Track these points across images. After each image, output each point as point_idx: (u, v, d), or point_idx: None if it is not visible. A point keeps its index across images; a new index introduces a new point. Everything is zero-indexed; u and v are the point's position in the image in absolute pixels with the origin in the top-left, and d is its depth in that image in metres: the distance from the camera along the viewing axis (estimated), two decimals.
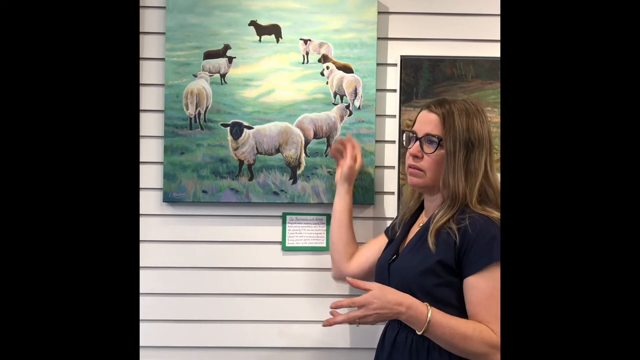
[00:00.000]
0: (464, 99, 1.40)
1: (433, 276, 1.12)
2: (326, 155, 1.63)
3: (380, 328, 1.35)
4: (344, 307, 1.15)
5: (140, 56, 1.62)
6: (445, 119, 1.19)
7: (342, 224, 1.49)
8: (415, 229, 1.27)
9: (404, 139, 1.29)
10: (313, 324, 1.64)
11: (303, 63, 1.63)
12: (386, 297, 1.11)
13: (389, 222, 1.65)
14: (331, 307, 1.17)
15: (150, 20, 1.64)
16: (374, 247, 1.43)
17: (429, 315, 1.08)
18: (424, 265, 1.13)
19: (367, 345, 1.64)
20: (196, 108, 1.62)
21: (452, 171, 1.17)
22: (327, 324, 1.14)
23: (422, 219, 1.28)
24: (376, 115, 1.64)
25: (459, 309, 1.12)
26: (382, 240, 1.43)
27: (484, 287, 1.08)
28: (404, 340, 1.16)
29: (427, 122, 1.22)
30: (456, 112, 1.19)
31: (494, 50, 1.64)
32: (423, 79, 1.64)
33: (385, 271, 1.24)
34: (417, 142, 1.22)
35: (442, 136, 1.18)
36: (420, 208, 1.32)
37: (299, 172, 1.63)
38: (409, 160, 1.24)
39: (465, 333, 1.07)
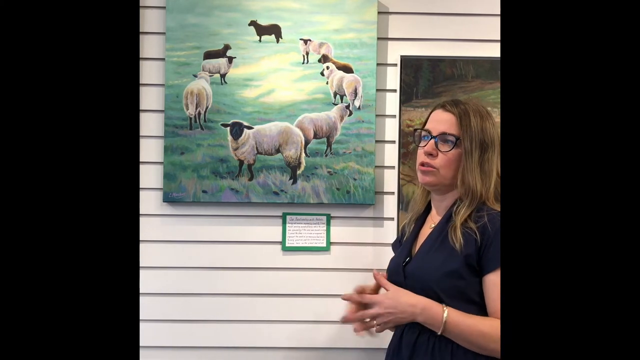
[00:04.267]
0: (474, 100, 1.39)
1: (457, 278, 1.12)
2: (326, 155, 1.63)
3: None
4: (354, 301, 1.18)
5: (140, 56, 1.63)
6: (462, 118, 1.20)
7: None
8: (426, 230, 1.26)
9: (415, 136, 1.28)
10: (313, 324, 1.64)
11: (303, 63, 1.63)
12: (399, 298, 1.13)
13: (388, 222, 1.66)
14: (342, 299, 1.20)
15: (150, 20, 1.64)
16: None
17: (445, 315, 1.09)
18: (448, 266, 1.13)
19: (369, 345, 1.64)
20: (196, 108, 1.62)
21: (470, 170, 1.18)
22: (345, 320, 1.17)
23: (431, 220, 1.27)
24: (376, 115, 1.64)
25: (481, 305, 1.12)
26: None
27: None
28: (426, 342, 1.15)
29: (443, 121, 1.21)
30: (471, 112, 1.20)
31: (494, 50, 1.64)
32: (423, 79, 1.65)
33: (400, 274, 1.22)
34: (432, 141, 1.21)
35: (459, 135, 1.19)
36: (427, 210, 1.32)
37: (299, 172, 1.63)
38: (422, 158, 1.22)
39: (483, 330, 1.08)
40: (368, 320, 1.17)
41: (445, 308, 1.10)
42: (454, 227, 1.15)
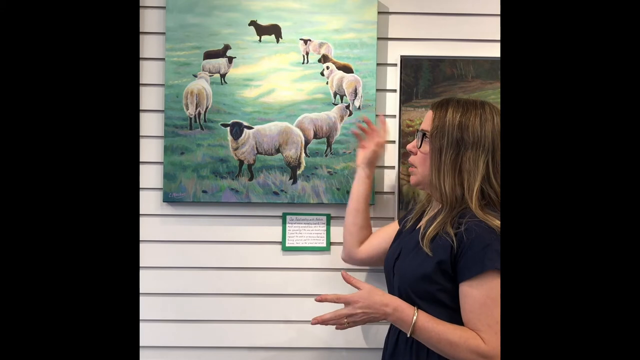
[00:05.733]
0: (474, 97, 1.35)
1: (430, 282, 1.11)
2: (326, 155, 1.63)
3: (382, 329, 1.35)
4: (329, 301, 1.14)
5: (140, 56, 1.62)
6: (436, 114, 1.16)
7: (359, 209, 1.47)
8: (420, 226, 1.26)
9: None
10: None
11: (303, 63, 1.63)
12: (373, 298, 1.11)
13: (388, 222, 1.65)
14: (316, 300, 1.16)
15: (150, 20, 1.64)
16: (384, 235, 1.42)
17: (414, 318, 1.08)
18: (422, 270, 1.12)
19: (368, 345, 1.64)
20: (196, 108, 1.62)
21: (437, 169, 1.14)
22: (315, 321, 1.13)
23: (426, 219, 1.26)
24: (376, 115, 1.64)
25: (455, 310, 1.11)
26: (392, 228, 1.42)
27: (476, 296, 1.06)
28: (405, 341, 1.16)
29: (426, 119, 1.21)
30: (451, 108, 1.15)
31: (494, 50, 1.64)
32: (423, 79, 1.64)
33: (390, 271, 1.23)
34: (416, 138, 1.22)
35: (428, 130, 1.17)
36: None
37: (299, 172, 1.63)
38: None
39: (452, 340, 1.06)
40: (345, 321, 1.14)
41: (416, 311, 1.09)
42: (427, 235, 1.13)
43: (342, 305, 1.14)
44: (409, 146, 1.22)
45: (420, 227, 1.22)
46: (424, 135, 1.18)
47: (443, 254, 1.09)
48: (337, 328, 1.15)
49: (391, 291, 1.23)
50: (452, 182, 1.13)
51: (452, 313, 1.10)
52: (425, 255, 1.12)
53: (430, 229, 1.13)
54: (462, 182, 1.13)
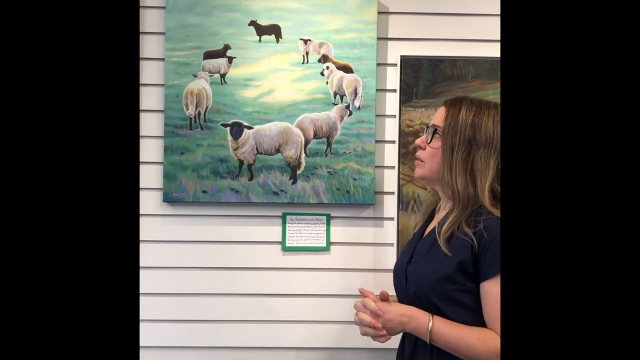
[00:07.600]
0: (485, 98, 1.34)
1: (451, 283, 1.09)
2: (326, 155, 1.63)
3: None
4: (365, 295, 1.18)
5: (140, 56, 1.63)
6: (450, 111, 1.16)
7: None
8: (430, 229, 1.24)
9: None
10: (313, 324, 1.64)
11: (303, 63, 1.63)
12: (390, 309, 1.13)
13: (388, 222, 1.66)
14: (360, 290, 1.22)
15: (150, 20, 1.64)
16: None
17: (430, 325, 1.08)
18: (442, 271, 1.10)
19: (372, 346, 1.64)
20: (196, 108, 1.62)
21: (449, 167, 1.13)
22: (357, 320, 1.17)
23: (437, 219, 1.25)
24: (376, 115, 1.64)
25: (477, 311, 1.10)
26: None
27: (497, 294, 1.04)
28: (424, 344, 1.14)
29: (438, 115, 1.19)
30: (465, 106, 1.14)
31: (494, 50, 1.64)
32: (423, 79, 1.65)
33: (402, 275, 1.21)
34: (426, 134, 1.21)
35: (439, 126, 1.16)
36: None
37: (299, 172, 1.63)
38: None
39: (469, 342, 1.05)
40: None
41: (431, 317, 1.09)
42: (442, 234, 1.12)
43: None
44: (418, 141, 1.21)
45: (432, 229, 1.20)
46: (435, 131, 1.17)
47: (463, 254, 1.08)
48: (375, 338, 1.16)
49: (401, 294, 1.22)
50: (464, 180, 1.12)
51: (474, 314, 1.09)
52: (442, 256, 1.11)
53: (445, 227, 1.12)
54: (475, 180, 1.12)
